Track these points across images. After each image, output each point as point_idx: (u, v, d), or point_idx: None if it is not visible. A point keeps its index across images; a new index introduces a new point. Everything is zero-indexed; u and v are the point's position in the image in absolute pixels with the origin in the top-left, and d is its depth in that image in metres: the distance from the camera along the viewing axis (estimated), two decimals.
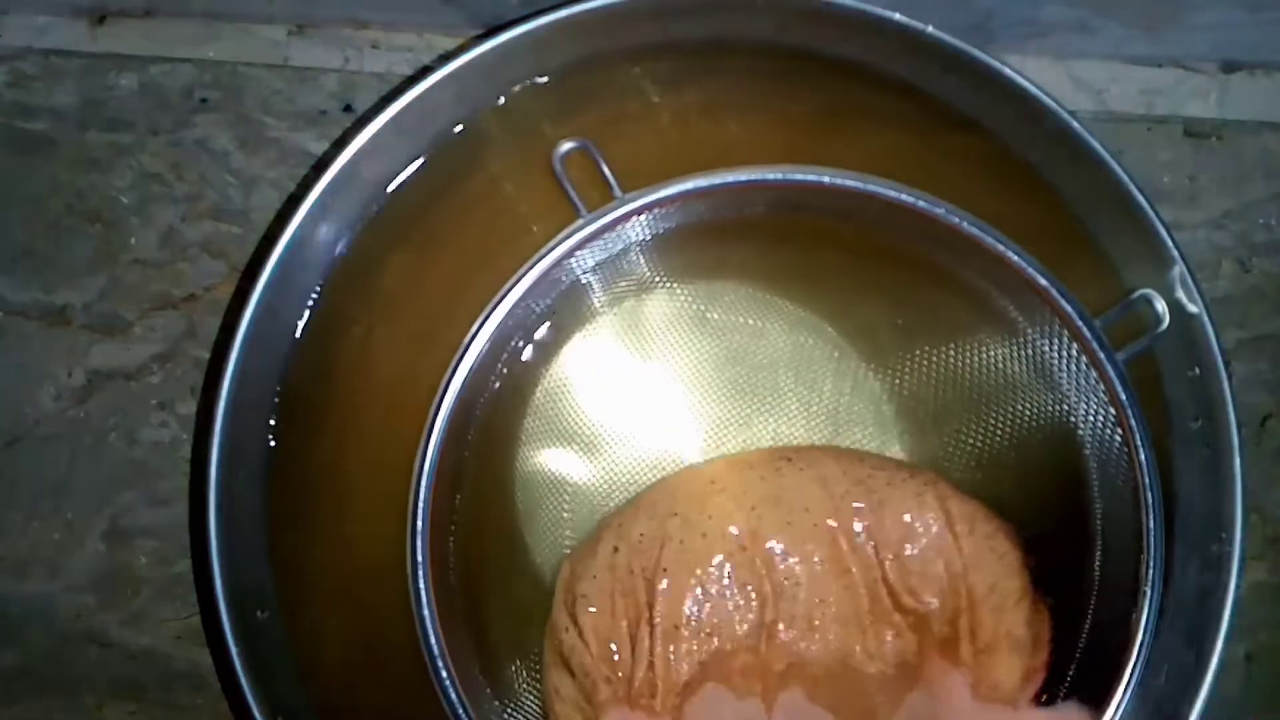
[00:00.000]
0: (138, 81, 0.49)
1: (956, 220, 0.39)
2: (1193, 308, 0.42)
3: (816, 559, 0.41)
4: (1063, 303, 0.39)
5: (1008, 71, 0.42)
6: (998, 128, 0.44)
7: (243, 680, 0.40)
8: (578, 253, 0.40)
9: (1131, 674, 0.39)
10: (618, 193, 0.39)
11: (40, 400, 0.49)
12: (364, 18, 0.49)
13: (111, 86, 0.49)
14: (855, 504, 0.42)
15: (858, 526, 0.41)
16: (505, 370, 0.45)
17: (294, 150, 0.49)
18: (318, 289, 0.44)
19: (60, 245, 0.49)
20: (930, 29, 0.41)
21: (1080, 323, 0.39)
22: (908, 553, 0.41)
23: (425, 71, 0.44)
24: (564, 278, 0.43)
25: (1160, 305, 0.41)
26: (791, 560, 0.41)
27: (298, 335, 0.44)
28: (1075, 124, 0.42)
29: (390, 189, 0.44)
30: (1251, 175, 0.50)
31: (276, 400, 0.44)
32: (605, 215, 0.39)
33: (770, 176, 0.39)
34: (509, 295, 0.38)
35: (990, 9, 0.46)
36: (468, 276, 0.43)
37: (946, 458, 0.46)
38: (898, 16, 0.41)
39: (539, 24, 0.41)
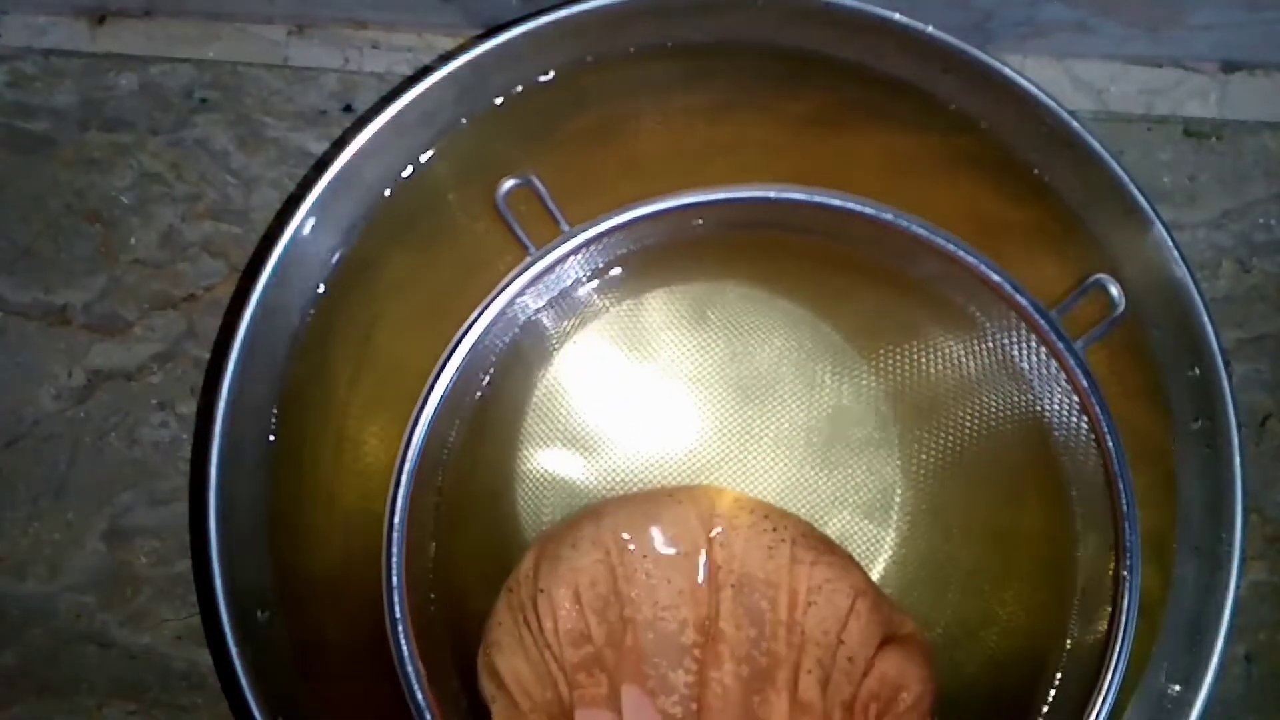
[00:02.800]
0: (138, 81, 0.49)
1: (905, 224, 0.39)
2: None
3: (670, 582, 0.41)
4: (1017, 296, 0.40)
5: (1008, 71, 0.42)
6: (998, 128, 0.44)
7: (243, 680, 0.40)
8: (529, 290, 0.40)
9: (1115, 662, 0.39)
10: (565, 226, 0.39)
11: (40, 400, 0.49)
12: (364, 18, 0.49)
13: (111, 86, 0.49)
14: (716, 533, 0.41)
15: (719, 557, 0.41)
16: (490, 387, 0.45)
17: (294, 150, 0.49)
18: (317, 289, 0.44)
19: (60, 245, 0.49)
20: (930, 29, 0.41)
21: (1036, 314, 0.40)
22: (747, 594, 0.40)
23: (425, 71, 0.44)
24: (519, 315, 0.44)
25: (1115, 289, 0.41)
26: (654, 579, 0.41)
27: (298, 335, 0.44)
28: (1075, 124, 0.42)
29: (390, 189, 0.44)
30: (1251, 175, 0.50)
31: (276, 400, 0.44)
32: (552, 251, 0.39)
33: (716, 197, 0.39)
34: (463, 341, 0.39)
35: (990, 9, 0.46)
36: (468, 275, 0.43)
37: (924, 457, 0.46)
38: (898, 16, 0.41)
39: (539, 24, 0.41)
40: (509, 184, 0.40)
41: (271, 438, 0.44)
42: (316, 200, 0.42)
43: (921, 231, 0.39)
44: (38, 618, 0.49)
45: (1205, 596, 0.42)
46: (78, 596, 0.49)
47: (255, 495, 0.43)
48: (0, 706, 0.49)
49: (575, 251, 0.40)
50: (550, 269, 0.40)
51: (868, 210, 0.39)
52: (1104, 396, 0.40)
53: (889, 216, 0.39)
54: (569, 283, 0.44)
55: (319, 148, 0.49)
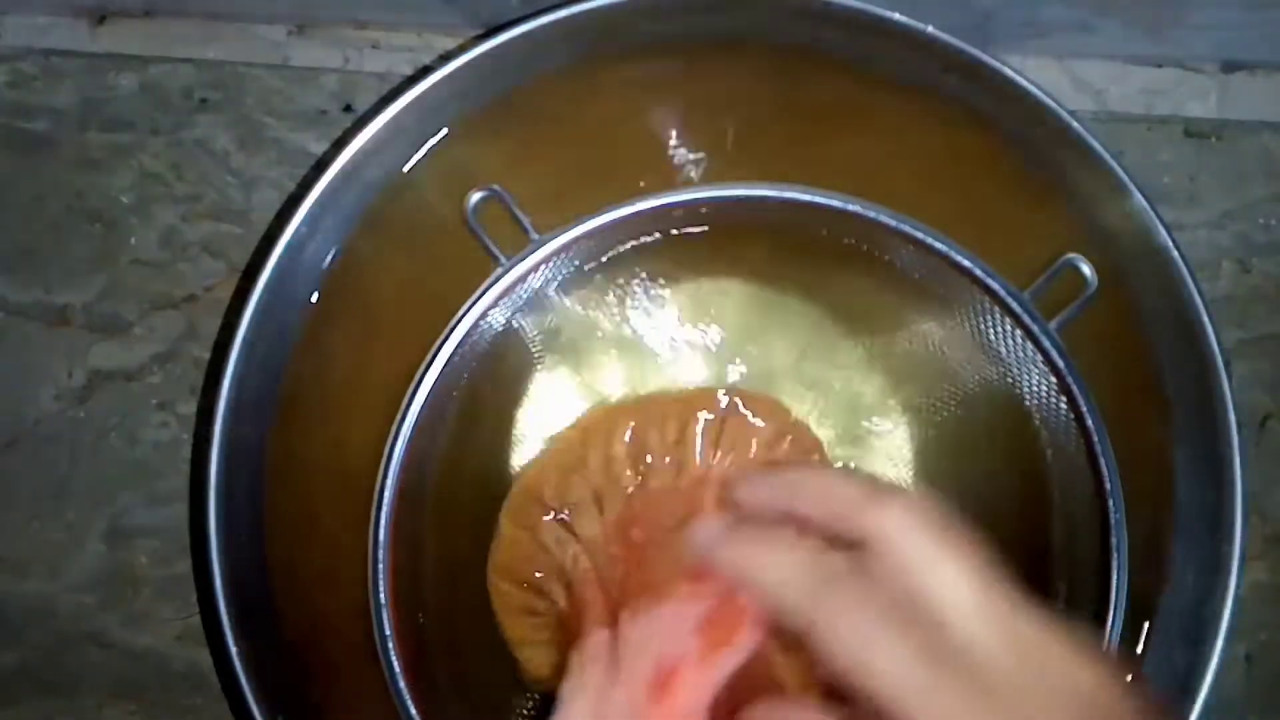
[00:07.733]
0: (138, 81, 0.49)
1: (874, 215, 0.40)
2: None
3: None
4: (988, 280, 0.40)
5: (1008, 71, 0.42)
6: (997, 127, 0.44)
7: (243, 680, 0.40)
8: (504, 299, 0.41)
9: (1107, 645, 0.40)
10: (533, 236, 0.40)
11: (40, 400, 0.49)
12: (364, 18, 0.49)
13: (111, 86, 0.49)
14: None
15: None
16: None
17: (294, 150, 0.49)
18: (318, 289, 0.44)
19: (60, 245, 0.49)
20: (930, 29, 0.41)
21: (1008, 296, 0.41)
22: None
23: (425, 71, 0.44)
24: (497, 324, 0.44)
25: (1087, 268, 0.41)
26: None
27: (298, 335, 0.44)
28: (1075, 124, 0.42)
29: (391, 189, 0.44)
30: (1251, 175, 0.50)
31: (276, 400, 0.44)
32: (521, 261, 0.40)
33: (682, 198, 0.40)
34: (437, 357, 0.40)
35: (990, 9, 0.46)
36: (469, 275, 0.43)
37: (909, 450, 0.47)
38: (898, 16, 0.41)
39: (539, 24, 0.41)
40: (476, 196, 0.41)
41: (271, 438, 0.44)
42: (316, 200, 0.42)
43: (889, 221, 0.40)
44: (38, 618, 0.49)
45: (1205, 597, 0.42)
46: (78, 596, 0.49)
47: (255, 495, 0.43)
48: (0, 706, 0.49)
49: (546, 260, 0.40)
50: (522, 279, 0.40)
51: (834, 203, 0.40)
52: (1080, 375, 0.40)
53: (856, 208, 0.40)
54: (549, 287, 0.44)
55: (319, 148, 0.49)
